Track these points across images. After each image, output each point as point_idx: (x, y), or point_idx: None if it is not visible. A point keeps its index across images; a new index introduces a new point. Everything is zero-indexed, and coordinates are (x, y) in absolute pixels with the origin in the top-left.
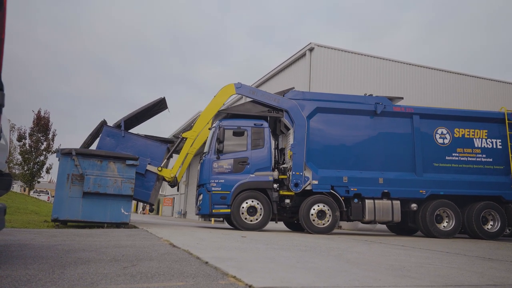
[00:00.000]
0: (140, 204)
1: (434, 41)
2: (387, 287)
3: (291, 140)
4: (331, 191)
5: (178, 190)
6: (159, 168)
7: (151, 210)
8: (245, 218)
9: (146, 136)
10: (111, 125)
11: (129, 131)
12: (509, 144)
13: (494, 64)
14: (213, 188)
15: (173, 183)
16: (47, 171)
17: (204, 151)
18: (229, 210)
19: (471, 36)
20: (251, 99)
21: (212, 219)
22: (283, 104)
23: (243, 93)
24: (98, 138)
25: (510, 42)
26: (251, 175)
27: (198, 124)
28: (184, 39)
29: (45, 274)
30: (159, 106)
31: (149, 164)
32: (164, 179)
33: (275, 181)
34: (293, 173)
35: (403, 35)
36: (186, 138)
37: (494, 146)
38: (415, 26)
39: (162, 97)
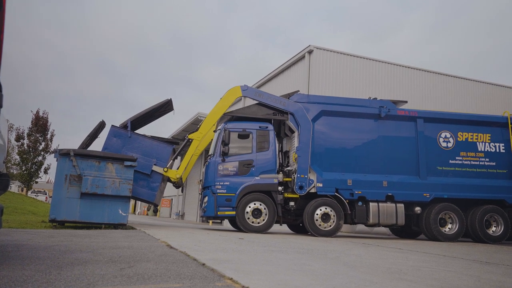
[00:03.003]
0: (138, 205)
1: (438, 43)
2: None
3: (295, 142)
4: (336, 194)
5: (182, 191)
6: (165, 169)
7: (155, 211)
8: (250, 221)
9: (152, 137)
10: (118, 126)
11: (136, 131)
12: None
13: (499, 67)
14: (218, 191)
15: (178, 184)
16: (45, 172)
17: (209, 153)
18: (234, 213)
19: (475, 39)
20: (257, 102)
21: (210, 221)
22: (289, 107)
23: (249, 95)
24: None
25: None
26: (256, 178)
27: (204, 126)
28: (186, 40)
29: (41, 274)
30: (165, 107)
31: (154, 165)
32: (169, 180)
33: (280, 183)
34: (298, 175)
35: (407, 37)
36: (192, 140)
37: (497, 150)
38: (418, 28)
39: (169, 98)
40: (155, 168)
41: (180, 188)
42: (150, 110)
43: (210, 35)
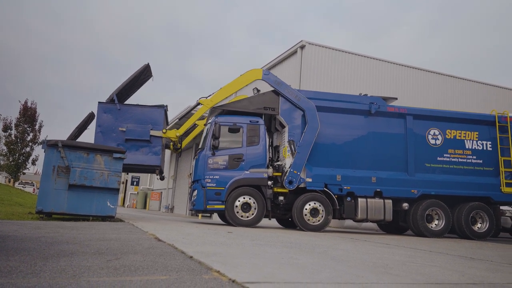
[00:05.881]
0: (127, 198)
1: (435, 42)
2: (369, 284)
3: (286, 137)
4: (325, 189)
5: (179, 156)
6: (164, 130)
7: (161, 179)
8: (240, 215)
9: (141, 105)
10: (104, 101)
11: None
12: (498, 146)
13: (496, 67)
14: (207, 184)
15: (177, 146)
16: (33, 163)
17: (199, 147)
18: (223, 206)
19: (473, 39)
20: (273, 89)
21: (200, 214)
22: (302, 103)
23: (268, 81)
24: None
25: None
26: (246, 172)
27: (216, 96)
28: (183, 34)
29: (26, 265)
30: (145, 74)
31: (151, 129)
32: (167, 147)
33: (269, 178)
34: (291, 170)
35: (405, 35)
36: (202, 105)
37: (484, 148)
38: (416, 26)
39: (147, 63)
40: (153, 132)
41: (170, 182)
42: (131, 79)
43: (207, 30)
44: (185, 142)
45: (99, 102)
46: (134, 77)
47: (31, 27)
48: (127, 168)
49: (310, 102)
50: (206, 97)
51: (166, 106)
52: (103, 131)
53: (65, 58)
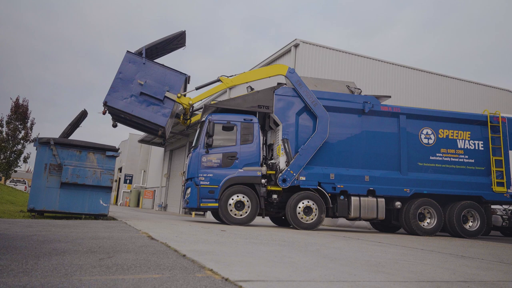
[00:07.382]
0: (120, 196)
1: (429, 40)
2: (362, 282)
3: (280, 136)
4: (318, 187)
5: (187, 129)
6: (178, 95)
7: (163, 143)
8: (233, 213)
9: (166, 66)
10: (133, 52)
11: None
12: (490, 145)
13: (487, 66)
14: (201, 182)
15: (187, 117)
16: (25, 161)
17: (193, 145)
18: (217, 204)
19: (468, 37)
20: (292, 88)
21: (193, 212)
22: (317, 110)
23: (291, 79)
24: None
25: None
26: (240, 170)
27: (237, 78)
28: (175, 29)
29: (18, 264)
30: (178, 40)
31: (167, 91)
32: (177, 117)
33: (263, 176)
34: (288, 170)
35: (399, 34)
36: (221, 82)
37: (476, 148)
38: (412, 24)
39: (183, 30)
40: (168, 94)
41: (163, 180)
42: (164, 40)
43: (200, 25)
44: (195, 118)
45: (127, 51)
46: (167, 39)
47: (23, 21)
48: (132, 123)
49: (325, 111)
50: (228, 76)
51: (189, 76)
52: (122, 78)
53: (58, 54)
